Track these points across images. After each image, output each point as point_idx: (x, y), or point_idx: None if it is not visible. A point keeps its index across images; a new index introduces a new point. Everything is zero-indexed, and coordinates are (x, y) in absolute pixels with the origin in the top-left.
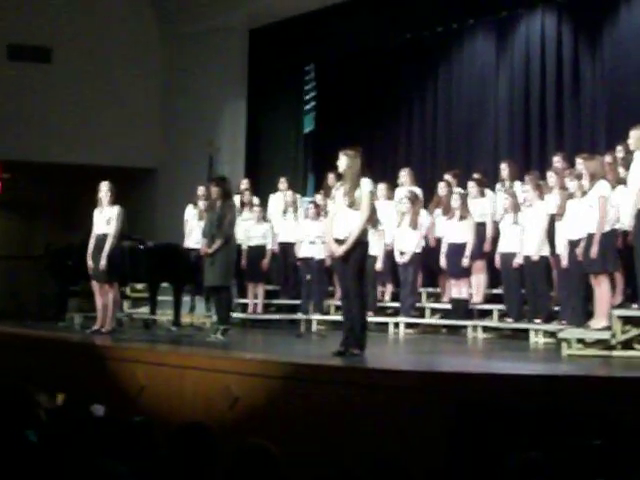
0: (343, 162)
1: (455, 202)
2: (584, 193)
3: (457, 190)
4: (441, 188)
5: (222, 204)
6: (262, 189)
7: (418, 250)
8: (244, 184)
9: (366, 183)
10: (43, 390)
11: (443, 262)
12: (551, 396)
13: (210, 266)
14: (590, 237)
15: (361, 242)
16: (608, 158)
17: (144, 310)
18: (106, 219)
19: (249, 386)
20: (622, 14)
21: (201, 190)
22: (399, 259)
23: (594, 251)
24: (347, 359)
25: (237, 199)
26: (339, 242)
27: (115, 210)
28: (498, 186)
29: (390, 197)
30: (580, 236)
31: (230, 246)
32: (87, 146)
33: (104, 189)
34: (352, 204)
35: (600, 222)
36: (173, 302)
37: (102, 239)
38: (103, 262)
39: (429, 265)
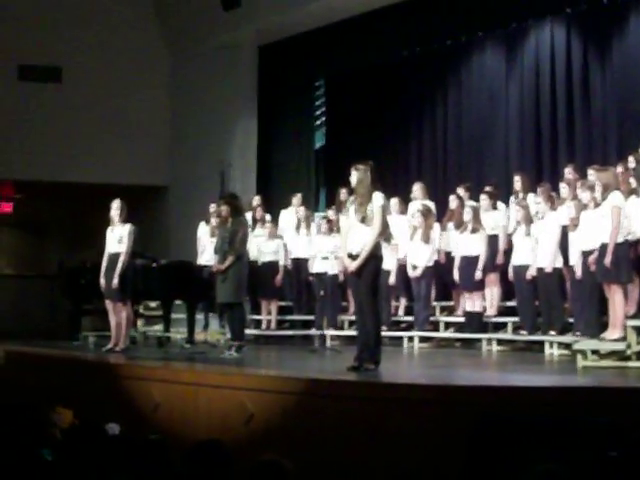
0: (354, 177)
1: (467, 215)
2: (597, 204)
3: (469, 203)
4: (452, 201)
5: (233, 221)
6: (274, 205)
7: (431, 264)
8: (256, 200)
9: (378, 197)
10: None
11: (456, 275)
12: (567, 408)
13: (222, 283)
14: (603, 247)
15: (374, 256)
16: (620, 168)
17: (158, 328)
18: (118, 238)
19: (264, 402)
20: (631, 25)
21: (213, 207)
22: (412, 273)
23: (607, 261)
24: (362, 374)
25: (249, 216)
26: (352, 257)
27: (127, 228)
28: (512, 199)
29: (403, 211)
30: (593, 247)
31: (242, 263)
32: (98, 165)
33: (115, 207)
34: (364, 219)
35: (613, 232)
36: (187, 319)
37: (114, 258)
38: (115, 281)
39: (442, 278)
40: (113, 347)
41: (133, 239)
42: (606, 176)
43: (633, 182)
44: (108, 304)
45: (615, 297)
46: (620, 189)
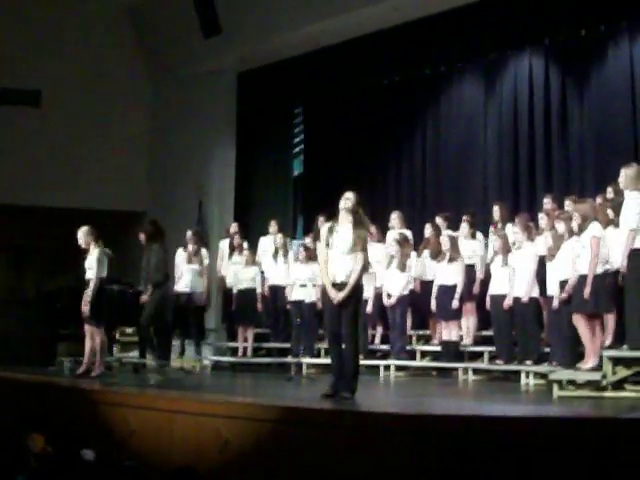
0: (352, 200)
1: (445, 244)
2: (572, 234)
3: (447, 232)
4: (427, 229)
5: (146, 248)
6: (252, 232)
7: (406, 292)
8: (233, 227)
9: (366, 226)
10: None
11: (433, 304)
12: (542, 437)
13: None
14: (582, 278)
15: (358, 286)
16: (599, 199)
17: (134, 354)
18: (88, 264)
19: (239, 429)
20: (609, 56)
21: (189, 234)
22: (387, 301)
23: (587, 292)
24: (337, 402)
25: (226, 243)
26: (338, 286)
27: (95, 254)
28: (491, 228)
29: (380, 240)
30: (570, 277)
31: (160, 289)
32: (76, 190)
33: (79, 236)
34: (355, 246)
35: (593, 263)
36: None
37: (88, 284)
38: (85, 308)
39: (418, 307)
40: (84, 372)
41: (102, 264)
42: (584, 207)
43: (611, 213)
44: (86, 329)
45: (592, 327)
46: (598, 220)
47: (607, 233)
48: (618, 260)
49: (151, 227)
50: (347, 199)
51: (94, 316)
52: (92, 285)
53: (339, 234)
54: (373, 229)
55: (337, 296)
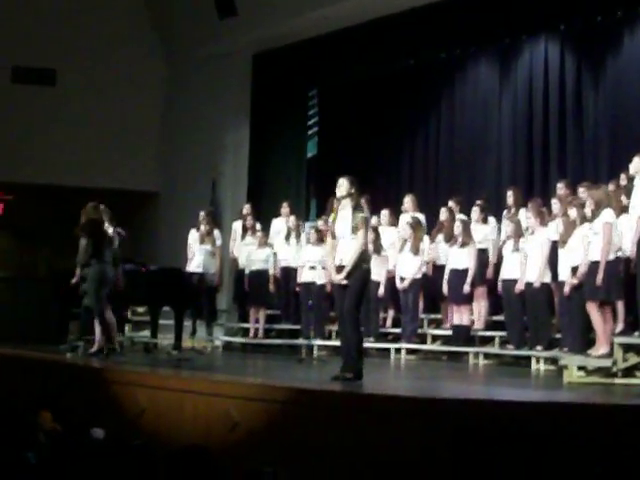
0: (345, 186)
1: (457, 229)
2: (584, 220)
3: (459, 217)
4: (443, 213)
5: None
6: (265, 214)
7: (418, 276)
8: (246, 209)
9: (363, 209)
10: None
11: (445, 288)
12: (551, 423)
13: None
14: (594, 265)
15: (362, 267)
16: (611, 186)
17: (145, 333)
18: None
19: (249, 410)
20: (625, 42)
21: (202, 215)
22: (399, 285)
23: (599, 278)
24: (346, 384)
25: (239, 224)
26: (340, 268)
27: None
28: (504, 213)
29: (393, 223)
30: (581, 263)
31: (94, 270)
32: (90, 169)
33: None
34: (355, 229)
35: (604, 249)
36: (174, 326)
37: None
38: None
39: (430, 291)
40: (97, 350)
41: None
42: (598, 194)
43: (625, 199)
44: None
45: (604, 314)
46: (612, 206)
47: (620, 220)
48: (630, 247)
49: (89, 211)
50: (339, 186)
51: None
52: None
53: (340, 220)
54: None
55: (336, 277)
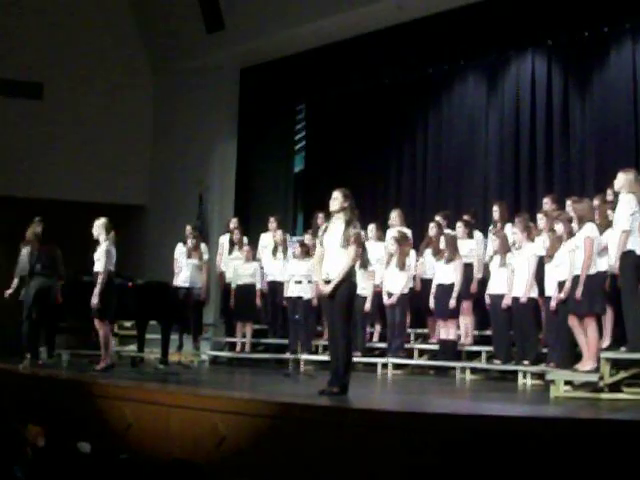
0: (339, 200)
1: (442, 243)
2: (571, 235)
3: (446, 231)
4: (431, 229)
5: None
6: (253, 228)
7: (406, 291)
8: (234, 223)
9: (356, 223)
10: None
11: (431, 303)
12: (538, 438)
13: None
14: (576, 279)
15: (348, 281)
16: (596, 201)
17: (132, 348)
18: (97, 257)
19: (236, 425)
20: (612, 57)
21: (189, 229)
22: (387, 300)
23: (578, 293)
24: (333, 399)
25: (226, 238)
26: (329, 282)
27: (102, 247)
28: (490, 228)
29: (380, 238)
30: (567, 278)
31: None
32: (77, 182)
33: (95, 227)
34: (347, 243)
35: (585, 263)
36: (161, 340)
37: (96, 277)
38: (94, 300)
39: (417, 306)
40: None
41: (109, 257)
42: (581, 207)
43: (611, 214)
44: (95, 322)
45: (589, 328)
46: (595, 221)
47: (606, 235)
48: (614, 262)
49: (32, 226)
50: (334, 199)
51: (100, 309)
52: (99, 278)
53: (331, 232)
54: (357, 225)
55: (325, 288)
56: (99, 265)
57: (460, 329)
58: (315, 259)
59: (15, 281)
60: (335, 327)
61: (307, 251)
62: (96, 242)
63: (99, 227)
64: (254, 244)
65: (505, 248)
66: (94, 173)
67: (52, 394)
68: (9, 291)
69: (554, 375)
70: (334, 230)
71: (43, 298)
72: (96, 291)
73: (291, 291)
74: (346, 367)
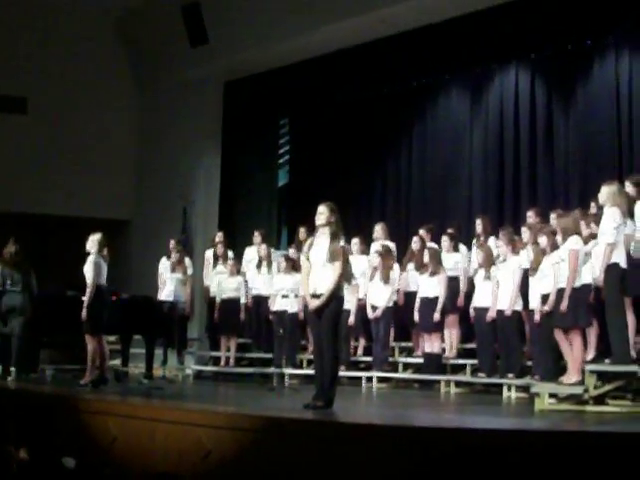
0: (325, 215)
1: (426, 257)
2: (554, 248)
3: (429, 245)
4: (414, 242)
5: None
6: (237, 242)
7: (390, 304)
8: (218, 237)
9: (341, 238)
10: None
11: (416, 316)
12: (523, 451)
13: None
14: (560, 291)
15: (337, 297)
16: (580, 214)
17: (116, 362)
18: (85, 270)
19: (221, 439)
20: (595, 71)
21: (173, 243)
22: (371, 314)
23: (564, 305)
24: (317, 412)
25: (211, 252)
26: (317, 297)
27: (89, 260)
28: (474, 241)
29: (364, 251)
30: (552, 291)
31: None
32: (62, 197)
33: (88, 241)
34: (333, 257)
35: (570, 276)
36: (145, 354)
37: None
38: (83, 312)
39: (402, 319)
40: (95, 379)
41: (97, 270)
42: (565, 221)
43: (595, 227)
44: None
45: (574, 341)
46: (579, 234)
47: (589, 247)
48: (598, 274)
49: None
50: (320, 214)
51: (90, 323)
52: (87, 291)
53: (317, 247)
54: (342, 240)
55: (313, 303)
56: (87, 277)
57: (445, 342)
58: (303, 274)
59: None
60: (322, 341)
61: (293, 265)
62: (87, 256)
63: (93, 242)
64: (239, 258)
65: (489, 261)
66: (79, 188)
67: (37, 409)
68: None
69: (539, 388)
70: (320, 245)
71: (15, 314)
72: (84, 304)
73: (278, 305)
74: (332, 381)
